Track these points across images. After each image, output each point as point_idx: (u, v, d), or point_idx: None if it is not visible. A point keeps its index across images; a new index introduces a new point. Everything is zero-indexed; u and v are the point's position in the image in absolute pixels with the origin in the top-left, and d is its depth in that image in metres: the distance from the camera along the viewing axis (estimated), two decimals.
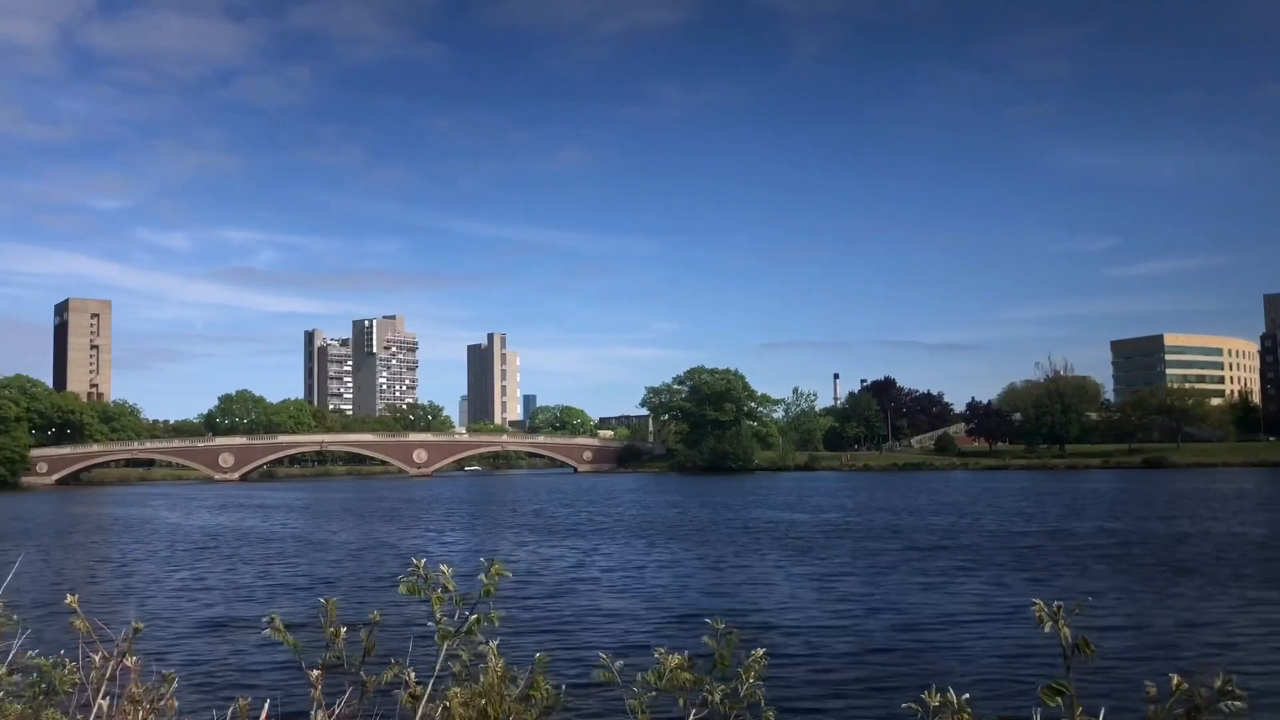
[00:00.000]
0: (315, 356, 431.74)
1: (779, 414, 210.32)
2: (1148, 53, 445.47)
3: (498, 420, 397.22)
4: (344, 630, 4.24)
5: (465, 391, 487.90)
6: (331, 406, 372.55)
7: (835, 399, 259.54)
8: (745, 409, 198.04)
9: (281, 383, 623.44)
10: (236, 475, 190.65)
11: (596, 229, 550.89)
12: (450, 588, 4.18)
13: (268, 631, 4.14)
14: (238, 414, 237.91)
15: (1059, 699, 3.31)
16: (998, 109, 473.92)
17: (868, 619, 23.16)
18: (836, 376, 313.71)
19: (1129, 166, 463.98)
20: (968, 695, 3.66)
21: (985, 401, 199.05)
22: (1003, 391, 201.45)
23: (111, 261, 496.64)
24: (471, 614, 4.14)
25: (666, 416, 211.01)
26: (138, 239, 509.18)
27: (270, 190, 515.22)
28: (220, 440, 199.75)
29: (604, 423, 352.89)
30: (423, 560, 4.21)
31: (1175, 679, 3.24)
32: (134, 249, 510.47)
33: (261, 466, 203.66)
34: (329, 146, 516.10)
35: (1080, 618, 3.36)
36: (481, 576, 4.19)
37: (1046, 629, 3.35)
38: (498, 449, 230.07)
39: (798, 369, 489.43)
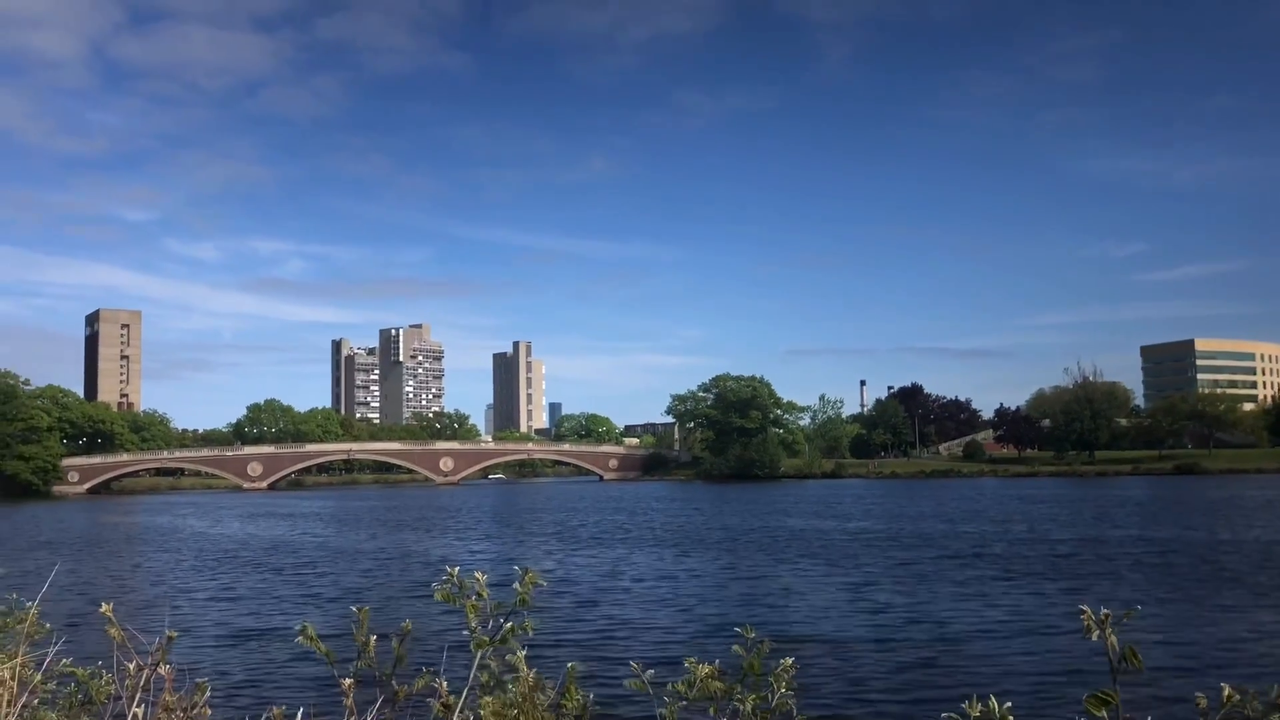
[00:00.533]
0: (342, 365, 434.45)
1: (805, 421, 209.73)
2: (1177, 56, 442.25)
3: (523, 428, 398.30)
4: (375, 639, 4.22)
5: (491, 400, 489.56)
6: (358, 415, 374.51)
7: (862, 406, 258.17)
8: (771, 416, 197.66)
9: (309, 392, 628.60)
10: (265, 484, 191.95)
11: (621, 236, 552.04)
12: (485, 595, 4.17)
13: (300, 640, 4.11)
14: (266, 423, 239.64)
15: (1105, 709, 3.20)
16: (1026, 113, 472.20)
17: (902, 629, 22.96)
18: (863, 383, 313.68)
19: (1158, 171, 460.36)
20: (1009, 704, 3.53)
21: (1014, 408, 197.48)
22: (1031, 398, 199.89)
23: (141, 272, 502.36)
24: (506, 622, 4.12)
25: (692, 424, 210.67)
26: (167, 250, 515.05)
27: (298, 200, 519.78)
28: (248, 449, 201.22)
29: (629, 430, 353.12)
30: (456, 568, 4.21)
31: (1227, 689, 3.16)
32: (163, 260, 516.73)
33: (289, 475, 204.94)
34: (356, 156, 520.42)
35: (1124, 627, 3.26)
36: (516, 585, 4.18)
37: (1094, 637, 3.25)
38: (523, 457, 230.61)
39: (824, 376, 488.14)
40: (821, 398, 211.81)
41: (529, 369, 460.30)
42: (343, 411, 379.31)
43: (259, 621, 25.87)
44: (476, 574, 4.18)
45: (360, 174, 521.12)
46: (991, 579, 31.81)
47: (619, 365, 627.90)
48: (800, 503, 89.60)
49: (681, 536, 52.91)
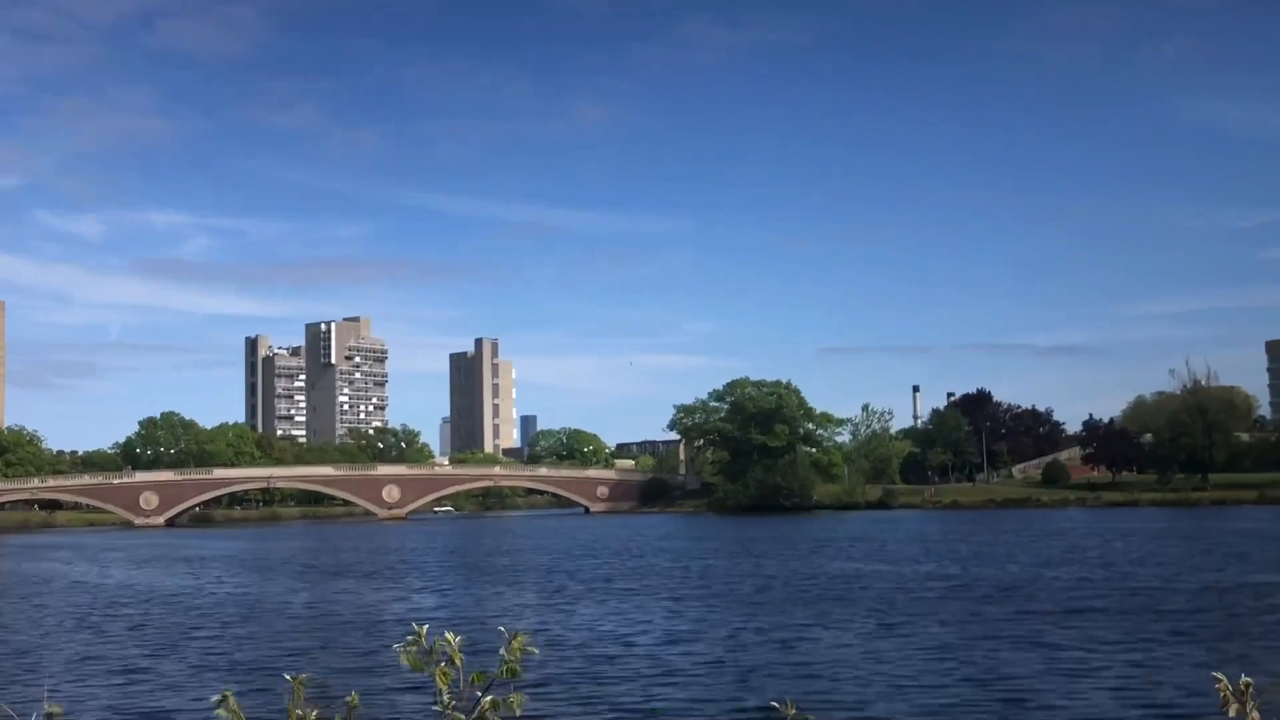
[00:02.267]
0: (260, 369, 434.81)
1: (844, 437, 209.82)
2: None
3: (489, 448, 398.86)
4: (314, 715, 4.27)
5: (448, 412, 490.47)
6: (280, 432, 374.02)
7: (915, 417, 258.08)
8: (801, 431, 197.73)
9: (218, 403, 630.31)
10: (162, 519, 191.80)
11: (613, 205, 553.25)
12: (458, 661, 4.19)
13: (220, 714, 4.08)
14: (163, 443, 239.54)
15: None
16: (1121, 49, 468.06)
17: (988, 706, 22.74)
18: (917, 389, 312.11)
19: None
20: None
21: (1106, 420, 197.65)
22: (1129, 406, 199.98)
23: (3, 252, 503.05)
24: (485, 696, 4.11)
25: (701, 442, 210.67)
26: (36, 224, 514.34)
27: (204, 161, 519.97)
28: (142, 476, 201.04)
29: (623, 450, 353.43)
30: (424, 627, 4.23)
31: None
32: (32, 236, 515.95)
33: (193, 508, 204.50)
34: (279, 105, 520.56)
35: (1273, 699, 3.17)
36: (502, 651, 4.14)
37: (1231, 712, 3.26)
38: (489, 484, 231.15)
39: (868, 380, 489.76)
40: (865, 408, 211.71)
41: (495, 373, 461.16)
42: (260, 428, 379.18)
43: (159, 699, 25.62)
44: (448, 634, 4.19)
45: (284, 127, 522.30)
46: (1099, 640, 31.72)
47: (609, 368, 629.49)
48: (841, 540, 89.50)
49: (696, 586, 52.70)
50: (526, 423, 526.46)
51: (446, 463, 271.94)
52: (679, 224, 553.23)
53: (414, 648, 4.22)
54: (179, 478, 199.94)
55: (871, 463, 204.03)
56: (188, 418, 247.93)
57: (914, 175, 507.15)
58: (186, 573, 72.31)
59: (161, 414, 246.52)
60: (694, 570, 62.67)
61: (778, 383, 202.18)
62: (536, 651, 4.26)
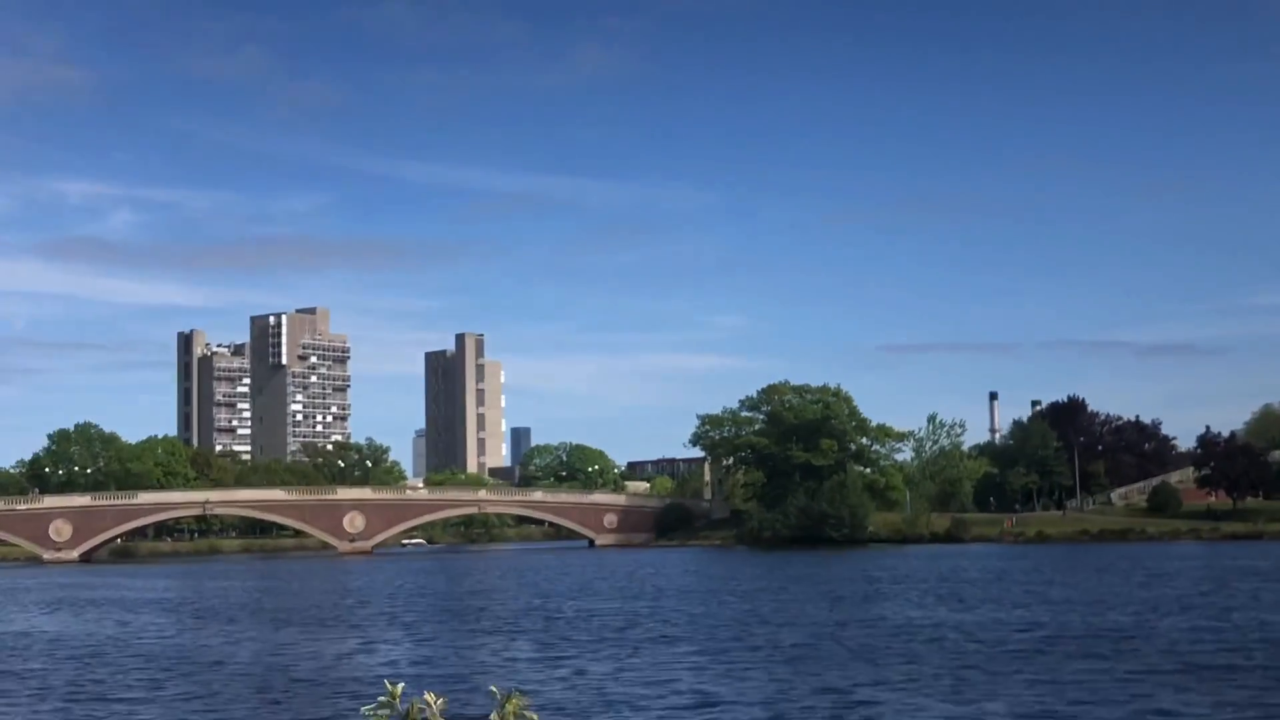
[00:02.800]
0: (195, 372, 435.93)
1: (905, 455, 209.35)
2: None
3: (472, 468, 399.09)
4: None
5: (422, 424, 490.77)
6: (220, 447, 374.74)
7: (993, 430, 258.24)
8: (853, 447, 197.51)
9: (144, 413, 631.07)
10: (76, 553, 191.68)
11: (622, 174, 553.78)
12: None
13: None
14: (79, 461, 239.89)
15: None
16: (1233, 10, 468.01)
17: None
18: (994, 397, 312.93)
19: None
20: None
21: (1226, 433, 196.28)
22: (1253, 417, 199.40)
23: None
24: None
25: (731, 460, 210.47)
26: None
27: (127, 120, 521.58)
28: (52, 501, 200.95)
29: (635, 470, 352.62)
30: (399, 685, 4.42)
31: None
32: None
33: (114, 540, 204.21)
34: (217, 50, 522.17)
35: None
36: (494, 715, 4.34)
37: None
38: (473, 511, 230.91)
39: (934, 386, 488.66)
40: (931, 419, 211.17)
41: (480, 377, 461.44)
42: (196, 441, 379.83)
43: None
44: (427, 694, 4.37)
45: (223, 78, 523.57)
46: (1231, 704, 31.45)
47: (618, 371, 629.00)
48: (903, 581, 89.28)
49: (728, 638, 52.33)
50: (518, 437, 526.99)
51: (421, 485, 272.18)
52: (703, 196, 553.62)
53: (386, 711, 4.33)
54: (97, 503, 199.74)
55: (939, 486, 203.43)
56: (108, 430, 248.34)
57: (992, 142, 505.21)
58: (105, 619, 72.10)
59: (76, 425, 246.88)
60: (724, 618, 62.39)
61: (824, 388, 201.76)
62: (535, 718, 4.49)
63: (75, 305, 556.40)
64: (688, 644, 50.27)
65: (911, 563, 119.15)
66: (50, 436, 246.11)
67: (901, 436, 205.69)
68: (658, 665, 43.49)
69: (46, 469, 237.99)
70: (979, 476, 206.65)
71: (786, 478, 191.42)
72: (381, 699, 4.27)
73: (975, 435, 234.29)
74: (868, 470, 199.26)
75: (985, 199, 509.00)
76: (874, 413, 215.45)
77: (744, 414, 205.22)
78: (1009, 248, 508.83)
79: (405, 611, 72.50)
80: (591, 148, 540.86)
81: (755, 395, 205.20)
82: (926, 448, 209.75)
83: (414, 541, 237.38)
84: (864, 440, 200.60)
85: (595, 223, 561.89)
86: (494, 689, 4.59)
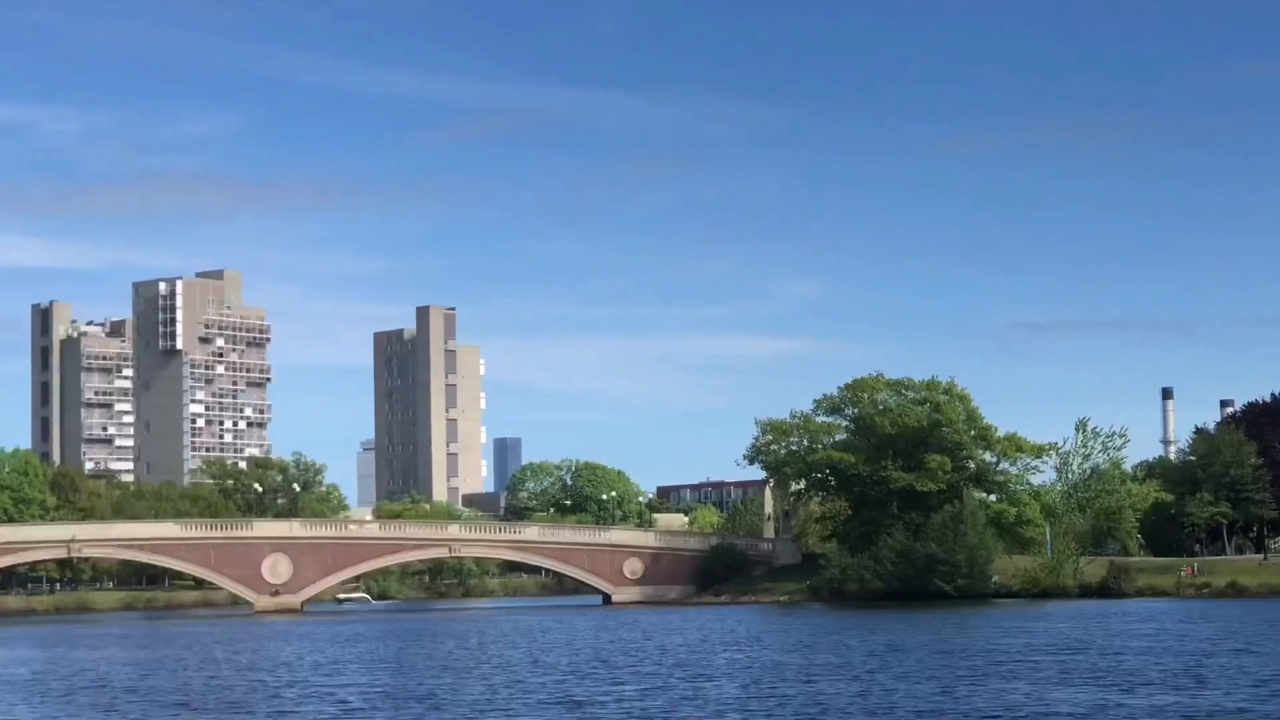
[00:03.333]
0: (56, 360, 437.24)
1: (1044, 477, 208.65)
2: None
3: (439, 494, 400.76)
4: None
5: (370, 433, 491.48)
6: (91, 464, 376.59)
7: (1166, 442, 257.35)
8: (972, 467, 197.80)
9: None
10: None
11: (648, 86, 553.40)
12: None
13: None
14: None
15: None
16: None
17: None
18: (1168, 395, 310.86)
19: None
20: None
21: None
22: None
23: None
24: None
25: (803, 485, 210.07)
26: None
27: None
28: None
29: (667, 499, 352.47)
30: None
31: None
32: None
33: None
34: None
35: None
36: None
37: None
38: (441, 553, 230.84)
39: (1086, 379, 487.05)
40: (1080, 427, 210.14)
41: (451, 367, 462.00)
42: (58, 457, 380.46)
43: None
44: None
45: None
46: None
47: (641, 359, 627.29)
48: (1049, 653, 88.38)
49: None
50: (503, 451, 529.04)
51: (370, 518, 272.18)
52: (764, 116, 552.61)
53: None
54: None
55: (1091, 519, 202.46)
56: None
57: (1156, 45, 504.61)
58: None
59: None
60: (808, 706, 61.79)
61: (932, 383, 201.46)
62: None
63: None
64: None
65: (1057, 627, 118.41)
66: None
67: (1040, 451, 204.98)
68: None
69: None
70: (1147, 506, 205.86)
71: (880, 509, 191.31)
72: None
73: (1142, 449, 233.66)
74: (993, 498, 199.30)
75: (1158, 114, 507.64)
76: (1001, 417, 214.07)
77: (820, 419, 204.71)
78: (1190, 189, 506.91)
79: (355, 700, 72.18)
80: (611, 49, 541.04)
81: (836, 393, 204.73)
82: (1074, 466, 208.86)
83: (354, 596, 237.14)
84: (987, 457, 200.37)
85: (613, 152, 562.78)
86: None
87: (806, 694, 66.96)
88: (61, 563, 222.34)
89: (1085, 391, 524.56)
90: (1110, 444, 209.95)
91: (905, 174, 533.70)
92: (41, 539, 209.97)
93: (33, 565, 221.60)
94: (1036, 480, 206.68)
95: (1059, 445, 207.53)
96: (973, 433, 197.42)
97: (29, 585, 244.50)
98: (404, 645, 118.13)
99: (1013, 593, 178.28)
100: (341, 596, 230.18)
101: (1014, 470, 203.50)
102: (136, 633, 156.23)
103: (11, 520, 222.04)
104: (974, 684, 70.27)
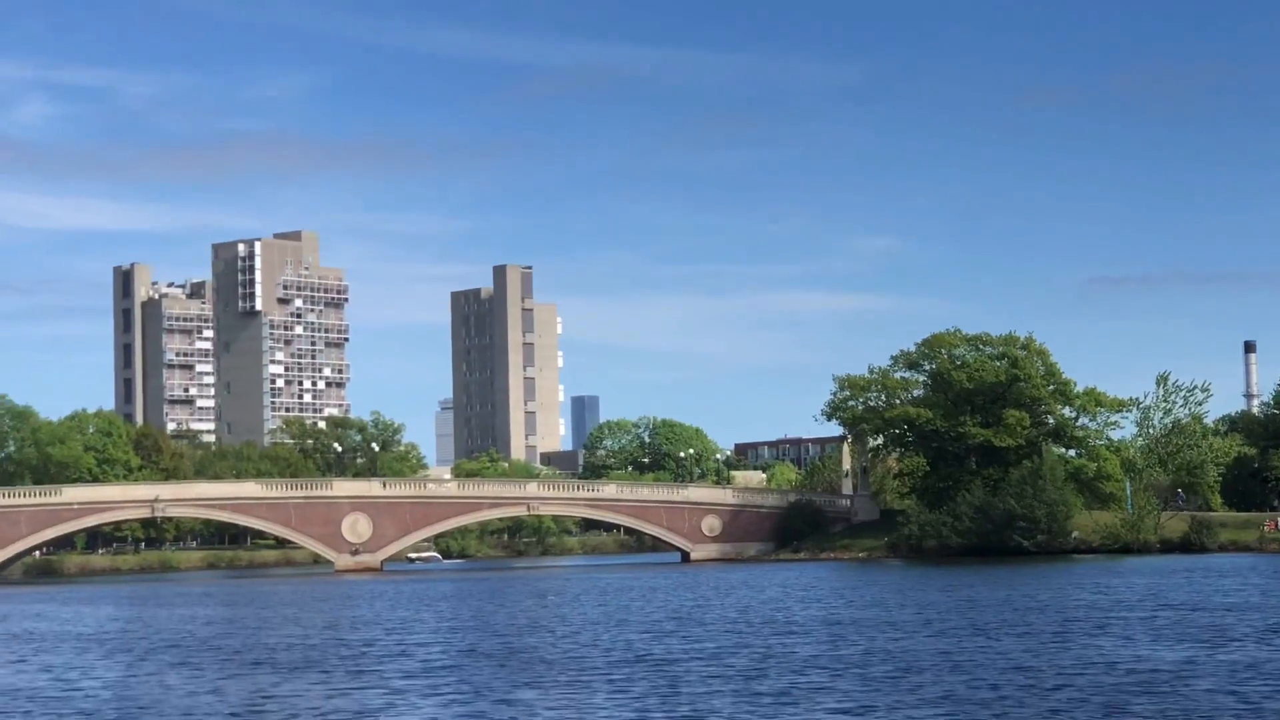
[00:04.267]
0: (138, 322, 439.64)
1: (1124, 432, 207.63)
2: None
3: (517, 452, 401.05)
4: None
5: (448, 392, 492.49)
6: (173, 425, 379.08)
7: (1249, 395, 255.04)
8: (1051, 421, 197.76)
9: (69, 378, 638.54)
10: None
11: (728, 42, 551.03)
12: None
13: None
14: None
15: None
16: None
17: None
18: (1251, 348, 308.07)
19: None
20: None
21: None
22: None
23: None
24: None
25: (880, 441, 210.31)
26: None
27: None
28: None
29: (745, 456, 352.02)
30: None
31: None
32: None
33: (31, 552, 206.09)
34: None
35: None
36: None
37: None
38: (520, 511, 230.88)
39: (1166, 333, 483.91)
40: (1161, 381, 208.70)
41: (529, 326, 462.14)
42: (140, 418, 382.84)
43: None
44: None
45: None
46: None
47: (717, 317, 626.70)
48: (1144, 607, 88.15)
49: (929, 695, 51.56)
50: (581, 409, 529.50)
51: (449, 477, 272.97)
52: (838, 72, 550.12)
53: None
54: (6, 502, 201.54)
55: (1172, 475, 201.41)
56: (20, 402, 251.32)
57: (1237, 9, 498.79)
58: (19, 665, 72.55)
59: None
60: (897, 663, 61.48)
61: (1010, 338, 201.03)
62: None
63: None
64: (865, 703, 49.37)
65: (1141, 582, 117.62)
66: None
67: (1119, 405, 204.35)
68: None
69: None
70: (1229, 460, 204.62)
71: (958, 464, 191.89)
72: None
73: (1224, 403, 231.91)
74: (1072, 453, 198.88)
75: (1241, 63, 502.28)
76: (1080, 373, 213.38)
77: (897, 375, 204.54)
78: (1273, 139, 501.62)
79: (430, 666, 72.11)
80: (686, 6, 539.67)
81: (913, 349, 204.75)
82: (1155, 421, 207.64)
83: (425, 555, 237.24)
84: (1066, 411, 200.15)
85: (688, 110, 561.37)
86: None
87: (895, 651, 66.63)
88: (145, 522, 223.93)
89: (1166, 346, 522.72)
90: (1192, 398, 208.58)
91: (982, 128, 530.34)
92: (126, 499, 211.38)
93: (117, 525, 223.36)
94: (1116, 435, 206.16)
95: (1139, 400, 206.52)
96: (1051, 388, 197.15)
97: (114, 545, 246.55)
98: (484, 604, 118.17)
99: (1092, 548, 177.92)
100: (412, 556, 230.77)
101: (1093, 425, 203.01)
102: (219, 591, 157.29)
103: (96, 481, 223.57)
104: (1063, 640, 69.92)
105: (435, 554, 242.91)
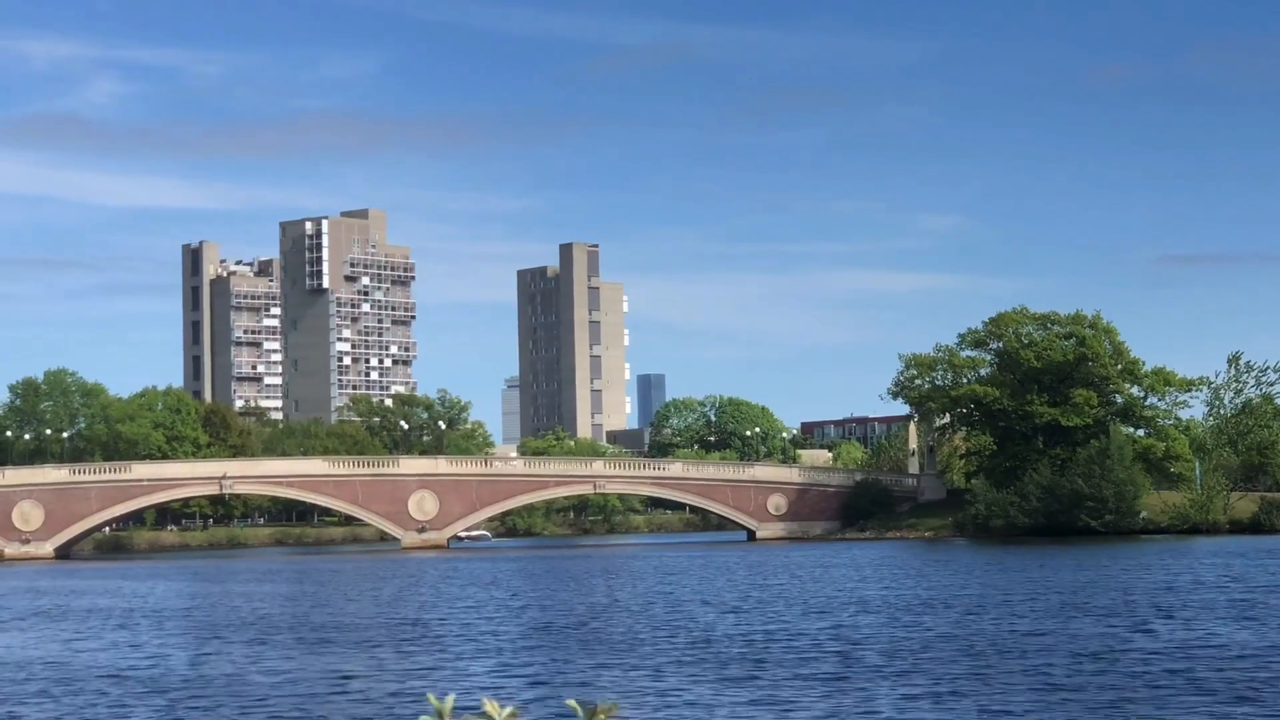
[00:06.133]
0: (206, 299, 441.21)
1: (1194, 412, 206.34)
2: None
3: (584, 430, 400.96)
4: None
5: (514, 370, 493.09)
6: (241, 402, 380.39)
7: None
8: (1120, 400, 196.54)
9: (138, 355, 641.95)
10: (50, 546, 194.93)
11: (795, 20, 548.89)
12: None
13: None
14: (51, 421, 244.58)
15: None
16: None
17: None
18: None
19: None
20: None
21: None
22: None
23: None
24: None
25: (947, 420, 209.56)
26: None
27: None
28: (17, 476, 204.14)
29: (811, 435, 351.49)
30: (449, 700, 5.33)
31: None
32: None
33: (101, 529, 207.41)
34: None
35: None
36: None
37: None
38: (586, 489, 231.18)
39: (1238, 312, 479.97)
40: (1232, 361, 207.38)
41: (595, 304, 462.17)
42: (209, 395, 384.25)
43: None
44: (489, 704, 5.34)
45: None
46: None
47: (784, 295, 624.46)
48: (1219, 588, 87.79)
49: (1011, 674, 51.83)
50: (647, 388, 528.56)
51: (515, 455, 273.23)
52: (907, 50, 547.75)
53: None
54: (77, 479, 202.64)
55: (1242, 455, 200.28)
56: (90, 379, 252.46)
57: None
58: (90, 638, 73.32)
59: (47, 373, 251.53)
60: (973, 643, 61.52)
61: (1078, 317, 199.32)
62: None
63: (42, 208, 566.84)
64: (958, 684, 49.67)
65: (1212, 564, 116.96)
66: (12, 388, 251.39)
67: (1189, 385, 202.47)
68: None
69: (8, 432, 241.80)
70: None
71: (1025, 443, 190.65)
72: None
73: None
74: (1140, 433, 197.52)
75: None
76: (1149, 352, 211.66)
77: (965, 354, 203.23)
78: None
79: (501, 641, 72.56)
80: None
81: (980, 328, 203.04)
82: (1225, 401, 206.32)
83: (474, 534, 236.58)
84: (1135, 391, 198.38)
85: (755, 87, 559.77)
86: (572, 703, 5.32)
87: (969, 630, 66.94)
88: (214, 499, 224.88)
89: (1238, 325, 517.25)
90: (1264, 378, 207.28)
91: (1051, 104, 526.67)
92: (194, 476, 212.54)
93: (186, 501, 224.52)
94: (1185, 415, 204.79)
95: (1209, 380, 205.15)
96: (1119, 367, 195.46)
97: (183, 521, 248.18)
98: (550, 582, 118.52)
99: (1161, 529, 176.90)
100: (461, 534, 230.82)
101: (1162, 406, 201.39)
102: (287, 568, 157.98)
103: (165, 458, 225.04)
104: (1136, 620, 69.94)
105: (485, 532, 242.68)
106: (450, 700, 5.35)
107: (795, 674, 51.78)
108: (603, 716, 5.35)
